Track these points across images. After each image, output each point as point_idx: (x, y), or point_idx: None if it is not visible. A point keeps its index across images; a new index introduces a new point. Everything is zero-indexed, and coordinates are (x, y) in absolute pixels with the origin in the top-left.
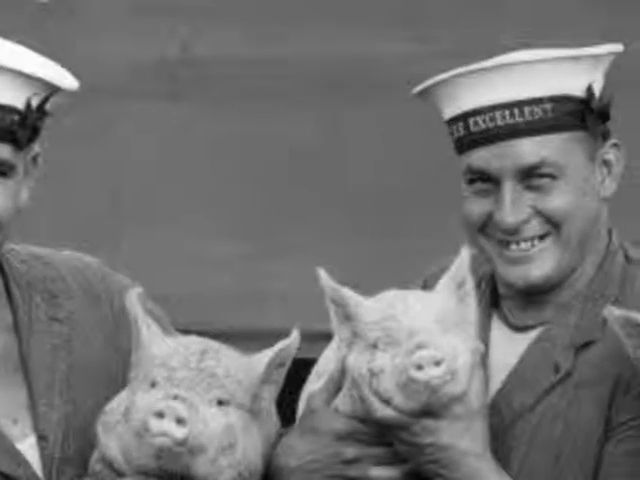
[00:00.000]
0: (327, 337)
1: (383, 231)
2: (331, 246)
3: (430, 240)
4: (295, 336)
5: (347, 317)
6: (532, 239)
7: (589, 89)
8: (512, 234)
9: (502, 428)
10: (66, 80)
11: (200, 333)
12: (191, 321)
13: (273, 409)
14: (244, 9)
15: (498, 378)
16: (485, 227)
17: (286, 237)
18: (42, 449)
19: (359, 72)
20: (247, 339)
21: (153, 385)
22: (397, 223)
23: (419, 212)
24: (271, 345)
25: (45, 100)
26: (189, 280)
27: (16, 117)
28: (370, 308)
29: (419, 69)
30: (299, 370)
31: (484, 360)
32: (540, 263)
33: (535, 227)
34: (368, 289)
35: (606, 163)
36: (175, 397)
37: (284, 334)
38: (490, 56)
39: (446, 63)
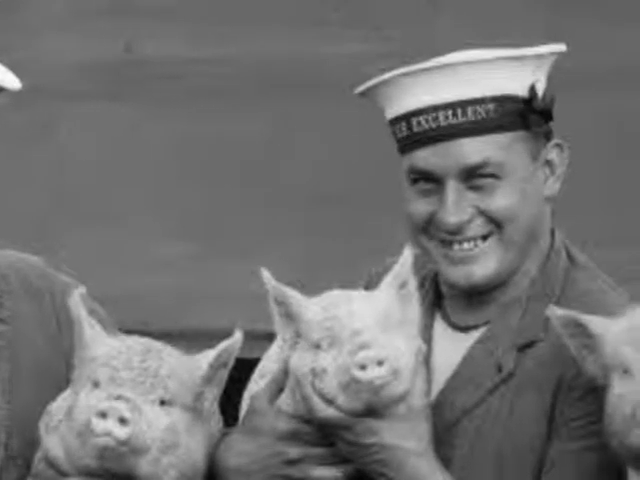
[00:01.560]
0: (270, 337)
1: (327, 231)
2: (275, 246)
3: (373, 240)
4: (238, 336)
5: (290, 317)
6: (475, 239)
7: (532, 89)
8: (455, 234)
9: (445, 428)
10: (8, 80)
11: (143, 333)
12: (134, 321)
13: (216, 409)
14: (188, 9)
15: (441, 378)
16: (428, 227)
17: (230, 237)
18: None
19: (305, 72)
20: (190, 339)
21: (96, 385)
22: (341, 223)
23: (363, 212)
24: (214, 345)
25: None
26: (132, 280)
27: None
28: (313, 308)
29: (366, 69)
30: (242, 370)
31: (427, 360)
32: (483, 263)
33: (478, 227)
34: (312, 289)
35: (549, 163)
36: (118, 397)
37: (227, 334)
38: (434, 56)
39: (392, 63)
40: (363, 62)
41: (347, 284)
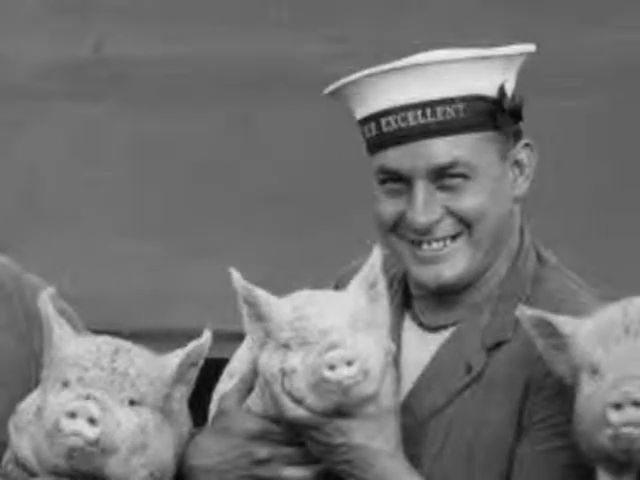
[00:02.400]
0: (239, 337)
1: (296, 231)
2: (245, 246)
3: (342, 240)
4: (207, 336)
5: (259, 317)
6: (444, 239)
7: (501, 89)
8: (424, 234)
9: (414, 428)
10: None
11: (112, 333)
12: (103, 321)
13: (185, 409)
14: (156, 9)
15: (410, 378)
16: (397, 227)
17: (199, 237)
18: None
19: (273, 72)
20: (160, 339)
21: (65, 385)
22: (310, 223)
23: (331, 212)
24: (184, 345)
25: None
26: (102, 280)
27: None
28: (282, 308)
29: (333, 69)
30: (211, 370)
31: (396, 360)
32: (452, 263)
33: (447, 227)
34: (281, 289)
35: (518, 163)
36: (87, 397)
37: (197, 334)
38: (403, 56)
39: (360, 63)
40: (324, 62)
41: (316, 284)
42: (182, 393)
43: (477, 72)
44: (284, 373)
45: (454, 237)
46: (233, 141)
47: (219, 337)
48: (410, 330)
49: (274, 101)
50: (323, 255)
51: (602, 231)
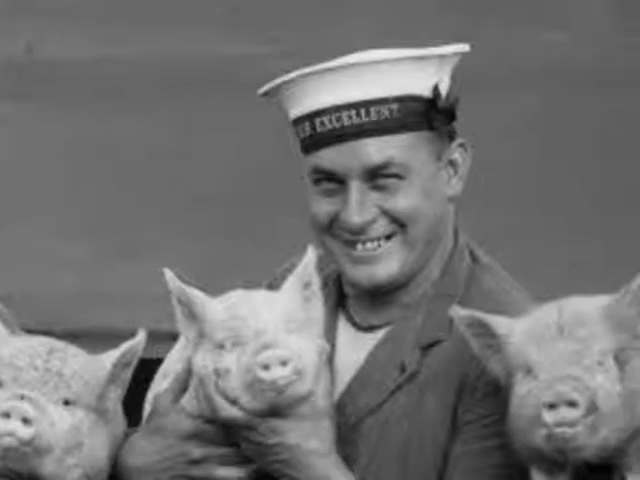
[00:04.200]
0: (173, 337)
1: (231, 231)
2: (178, 246)
3: (276, 240)
4: (141, 336)
5: (193, 317)
6: (378, 239)
7: (435, 89)
8: (358, 234)
9: (348, 428)
10: None
11: (46, 333)
12: (37, 321)
13: (119, 409)
14: (90, 10)
15: (345, 378)
16: (331, 227)
17: (133, 237)
18: None
19: (209, 72)
20: (94, 339)
21: None
22: (245, 223)
23: (267, 212)
24: (118, 345)
25: None
26: (35, 280)
27: None
28: (216, 308)
29: (268, 69)
30: (145, 370)
31: (331, 360)
32: (386, 263)
33: (381, 227)
34: (215, 289)
35: (452, 163)
36: (21, 397)
37: (131, 334)
38: (339, 56)
39: (295, 63)
40: (261, 62)
41: (250, 284)
42: (116, 393)
43: (411, 72)
44: (218, 373)
45: (388, 237)
46: (167, 141)
47: (153, 337)
48: (344, 330)
49: (209, 101)
50: (256, 255)
51: (528, 230)
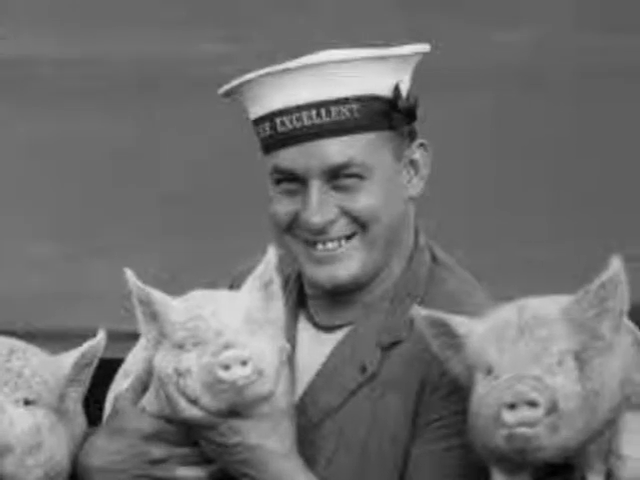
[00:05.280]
0: (134, 337)
1: (191, 231)
2: (141, 246)
3: (240, 240)
4: (101, 336)
5: (154, 317)
6: (339, 239)
7: (396, 89)
8: (319, 234)
9: (309, 428)
10: None
11: (7, 333)
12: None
13: (80, 409)
14: (54, 10)
15: (305, 378)
16: (292, 227)
17: (95, 237)
18: None
19: (173, 72)
20: (55, 339)
21: None
22: (209, 223)
23: (230, 212)
24: (79, 345)
25: None
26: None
27: None
28: (177, 308)
29: (231, 69)
30: (106, 370)
31: (291, 360)
32: (347, 263)
33: (342, 227)
34: (175, 289)
35: (413, 163)
36: None
37: (91, 334)
38: (299, 56)
39: (258, 63)
40: (222, 62)
41: (211, 284)
42: (77, 393)
43: (372, 72)
44: (179, 373)
45: (349, 237)
46: (132, 141)
47: (114, 337)
48: (305, 330)
49: (170, 101)
50: (219, 255)
51: (484, 231)
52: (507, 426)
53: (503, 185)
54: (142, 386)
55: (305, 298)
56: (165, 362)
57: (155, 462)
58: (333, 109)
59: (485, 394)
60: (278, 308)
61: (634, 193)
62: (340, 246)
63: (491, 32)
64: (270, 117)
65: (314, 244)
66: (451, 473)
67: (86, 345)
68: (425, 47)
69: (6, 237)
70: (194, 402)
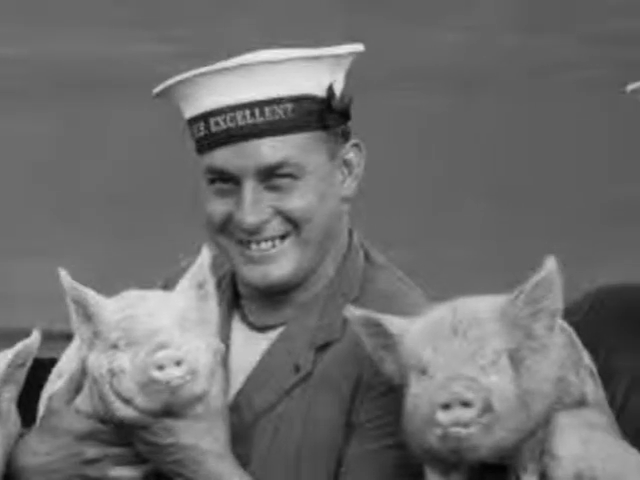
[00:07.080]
0: (68, 337)
1: (127, 231)
2: (76, 246)
3: (171, 240)
4: (35, 336)
5: (87, 317)
6: (273, 239)
7: (330, 89)
8: (253, 234)
9: (243, 428)
10: None
11: None
12: None
13: (14, 409)
14: None
15: (239, 378)
16: (226, 227)
17: (30, 236)
18: None
19: (106, 72)
20: None
21: None
22: (139, 223)
23: (163, 212)
24: (13, 345)
25: None
26: None
27: None
28: (110, 308)
29: (163, 69)
30: (40, 370)
31: (225, 360)
32: (280, 263)
33: (275, 227)
34: (110, 289)
35: (347, 163)
36: None
37: (26, 334)
38: (235, 56)
39: (190, 63)
40: (156, 62)
41: (144, 284)
42: (11, 393)
43: (306, 72)
44: (112, 373)
45: (283, 237)
46: (67, 141)
47: (48, 337)
48: (239, 330)
49: (108, 101)
50: (153, 255)
51: (432, 231)
52: (441, 426)
53: (445, 184)
54: (76, 386)
55: (239, 298)
56: (99, 362)
57: (89, 462)
58: (267, 109)
59: (419, 394)
60: (212, 308)
61: (561, 193)
62: (274, 246)
63: (425, 32)
64: (204, 117)
65: (248, 244)
66: (386, 473)
67: (20, 345)
68: (359, 47)
69: None
70: (128, 402)
